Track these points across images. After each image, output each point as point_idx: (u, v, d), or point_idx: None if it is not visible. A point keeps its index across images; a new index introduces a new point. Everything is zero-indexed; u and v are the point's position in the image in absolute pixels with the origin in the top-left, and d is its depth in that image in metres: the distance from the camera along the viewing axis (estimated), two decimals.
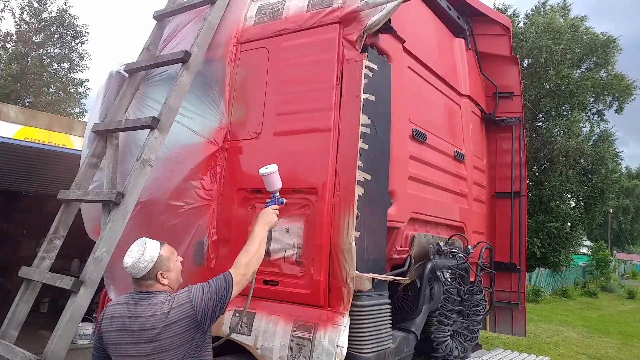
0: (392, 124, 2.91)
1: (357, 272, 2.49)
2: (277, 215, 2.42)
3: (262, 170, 2.44)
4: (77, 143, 6.62)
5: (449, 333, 3.43)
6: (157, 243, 2.15)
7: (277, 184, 2.47)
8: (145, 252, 2.09)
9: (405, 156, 3.18)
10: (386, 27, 2.80)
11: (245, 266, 2.15)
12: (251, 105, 3.04)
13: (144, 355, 2.01)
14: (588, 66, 12.35)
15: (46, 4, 22.92)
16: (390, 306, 2.84)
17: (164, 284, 2.12)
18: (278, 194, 2.48)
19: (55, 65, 23.67)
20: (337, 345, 2.39)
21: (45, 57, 23.07)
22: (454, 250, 3.50)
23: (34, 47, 22.59)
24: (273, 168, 2.45)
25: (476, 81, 4.53)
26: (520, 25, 12.29)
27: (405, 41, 3.17)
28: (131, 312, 2.06)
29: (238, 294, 2.80)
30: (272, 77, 2.99)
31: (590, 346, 10.64)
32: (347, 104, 2.67)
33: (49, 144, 7.01)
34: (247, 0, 3.31)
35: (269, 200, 2.47)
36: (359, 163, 2.57)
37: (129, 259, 2.08)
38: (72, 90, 24.37)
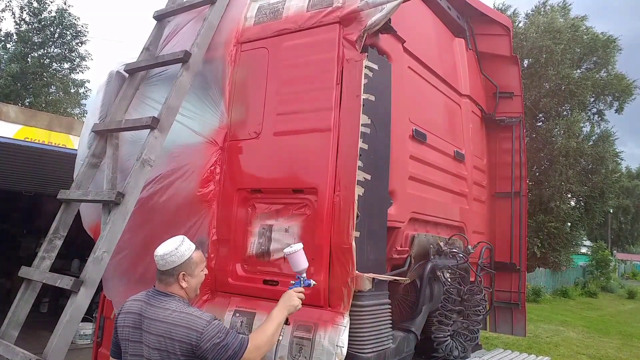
0: (392, 123, 2.91)
1: (357, 272, 2.49)
2: (301, 299, 2.28)
3: (287, 250, 2.31)
4: (77, 143, 6.64)
5: (449, 333, 3.43)
6: (193, 245, 2.18)
7: (302, 263, 2.30)
8: (179, 247, 2.11)
9: (405, 156, 3.18)
10: (386, 27, 2.79)
11: (257, 349, 2.05)
12: (251, 105, 3.04)
13: (148, 359, 2.00)
14: (588, 66, 12.34)
15: (46, 3, 22.91)
16: (390, 306, 2.84)
17: (182, 287, 2.12)
18: (304, 274, 2.32)
19: (56, 65, 23.68)
20: (337, 345, 2.39)
21: (45, 57, 23.07)
22: (454, 250, 3.50)
23: (34, 47, 22.59)
24: (297, 247, 2.29)
25: (476, 81, 4.53)
26: (520, 25, 12.28)
27: (405, 41, 3.17)
28: (143, 311, 2.07)
29: (241, 295, 2.83)
30: (272, 77, 2.98)
31: (591, 346, 10.65)
32: (347, 104, 2.67)
33: (49, 144, 7.03)
34: (247, 0, 3.31)
35: (293, 281, 2.33)
36: (359, 163, 2.56)
37: (161, 249, 2.11)
38: (72, 91, 24.39)
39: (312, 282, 2.37)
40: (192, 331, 1.95)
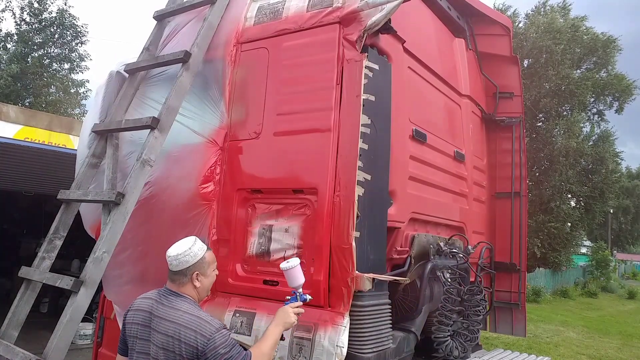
0: (392, 124, 2.91)
1: (357, 272, 2.49)
2: (298, 314, 2.26)
3: (283, 265, 2.29)
4: (77, 143, 6.64)
5: (449, 333, 3.43)
6: (205, 246, 2.21)
7: (299, 278, 2.29)
8: (192, 247, 2.14)
9: (405, 156, 3.18)
10: (386, 27, 2.79)
11: None
12: (251, 105, 3.04)
13: (154, 358, 2.01)
14: (588, 66, 12.35)
15: (46, 4, 22.91)
16: (390, 306, 2.84)
17: (195, 287, 2.14)
18: (301, 290, 2.31)
19: (56, 65, 23.68)
20: (337, 346, 2.39)
21: (45, 58, 23.06)
22: (454, 250, 3.50)
23: (34, 47, 22.59)
24: (294, 262, 2.28)
25: (476, 81, 4.52)
26: (520, 25, 12.30)
27: (405, 41, 3.17)
28: (154, 310, 2.08)
29: (241, 295, 2.83)
30: (272, 77, 2.98)
31: (591, 346, 10.65)
32: (347, 104, 2.67)
33: (49, 144, 7.03)
34: (247, 0, 3.31)
35: (289, 297, 2.32)
36: (359, 163, 2.56)
37: (174, 250, 2.13)
38: (72, 91, 24.39)
39: (308, 297, 2.35)
40: (199, 335, 1.95)
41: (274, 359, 2.28)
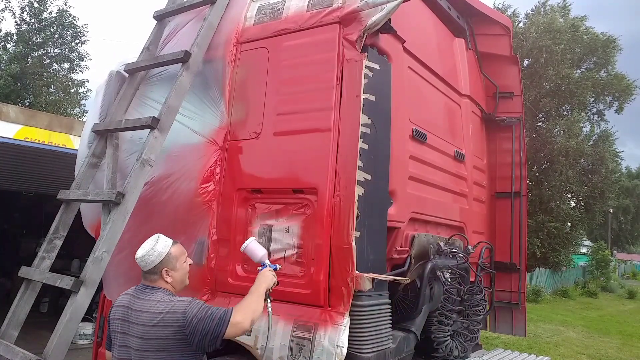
0: (392, 124, 2.91)
1: (357, 272, 2.49)
2: (274, 275, 2.39)
3: (241, 247, 2.52)
4: (77, 143, 6.62)
5: (449, 333, 3.43)
6: (170, 241, 2.23)
7: (259, 252, 2.48)
8: (155, 247, 2.17)
9: (405, 156, 3.18)
10: (386, 27, 2.79)
11: (240, 312, 2.09)
12: (251, 105, 3.04)
13: (134, 349, 2.06)
14: (588, 66, 12.33)
15: (46, 4, 22.88)
16: (390, 306, 2.84)
17: (167, 281, 2.19)
18: (267, 261, 2.47)
19: (56, 65, 23.65)
20: (337, 345, 2.39)
21: (45, 58, 23.04)
22: (454, 250, 3.50)
23: (34, 47, 22.56)
24: (248, 241, 2.50)
25: (476, 81, 4.53)
26: (520, 25, 12.27)
27: (405, 41, 3.17)
28: (131, 304, 2.14)
29: (241, 295, 2.83)
30: (272, 77, 2.99)
31: (591, 346, 10.65)
32: (347, 104, 2.67)
33: (49, 144, 7.02)
34: (247, 0, 3.31)
35: (260, 267, 2.45)
36: (359, 163, 2.57)
37: (140, 251, 2.18)
38: (72, 91, 24.36)
39: (278, 266, 2.49)
40: (177, 314, 2.01)
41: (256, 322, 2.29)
